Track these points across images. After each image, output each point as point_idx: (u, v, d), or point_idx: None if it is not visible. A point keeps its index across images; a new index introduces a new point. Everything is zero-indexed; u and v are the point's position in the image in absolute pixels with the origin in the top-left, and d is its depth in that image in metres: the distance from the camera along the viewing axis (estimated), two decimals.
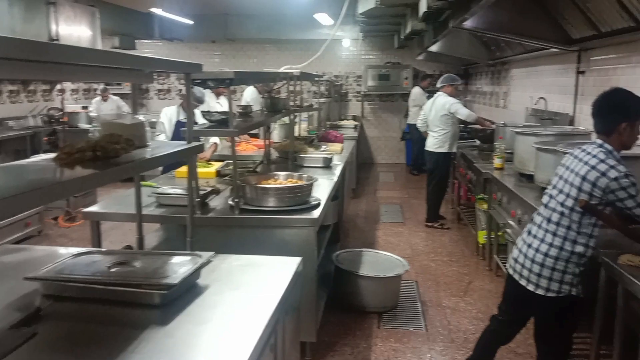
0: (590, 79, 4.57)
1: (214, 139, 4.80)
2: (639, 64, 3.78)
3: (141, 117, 2.28)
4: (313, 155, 4.76)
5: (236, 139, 5.65)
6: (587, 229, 2.38)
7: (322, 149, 5.28)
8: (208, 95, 5.35)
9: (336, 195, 4.63)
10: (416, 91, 9.74)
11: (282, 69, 4.45)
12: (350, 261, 4.27)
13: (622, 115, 2.42)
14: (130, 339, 1.59)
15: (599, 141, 2.43)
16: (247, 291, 1.94)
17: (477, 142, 6.15)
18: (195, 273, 1.93)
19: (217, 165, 4.27)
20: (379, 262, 4.35)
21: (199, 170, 4.01)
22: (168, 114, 4.82)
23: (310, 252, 3.08)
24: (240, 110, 3.79)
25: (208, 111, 3.38)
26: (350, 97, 11.35)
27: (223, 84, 2.91)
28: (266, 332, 1.67)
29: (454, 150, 6.27)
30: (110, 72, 1.81)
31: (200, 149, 2.25)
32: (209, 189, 3.32)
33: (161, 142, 2.61)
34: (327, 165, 4.69)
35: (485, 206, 4.78)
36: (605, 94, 2.51)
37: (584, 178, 2.35)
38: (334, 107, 9.85)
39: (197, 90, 4.45)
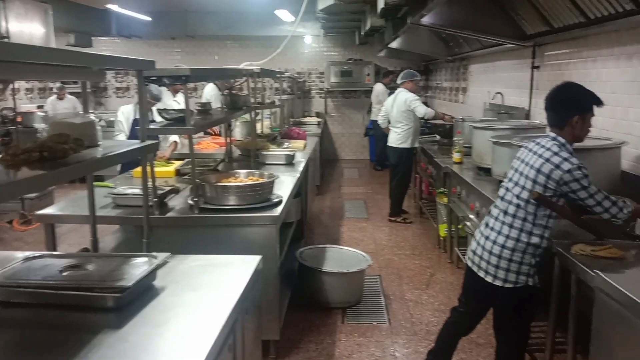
0: (545, 74, 4.68)
1: (174, 138, 4.72)
2: (590, 59, 3.90)
3: (92, 116, 2.21)
4: (275, 152, 4.73)
5: (196, 136, 5.59)
6: (542, 221, 2.44)
7: (284, 146, 5.26)
8: (165, 93, 5.26)
9: (299, 192, 4.62)
10: (378, 88, 9.82)
11: (241, 66, 4.40)
12: (314, 258, 4.27)
13: (574, 109, 2.49)
14: (83, 343, 1.54)
15: (553, 134, 2.49)
16: (205, 292, 1.91)
17: (438, 137, 6.24)
18: (151, 275, 1.89)
19: (176, 164, 4.20)
20: (343, 257, 4.36)
21: (158, 169, 3.95)
22: (125, 113, 4.71)
23: (272, 250, 3.07)
24: (199, 108, 3.73)
25: (165, 109, 3.32)
26: (314, 94, 11.36)
27: (179, 81, 2.85)
28: (224, 332, 1.65)
29: (416, 145, 6.35)
30: (57, 70, 1.75)
31: (155, 147, 2.21)
32: (168, 188, 3.26)
33: (114, 142, 2.55)
34: (290, 162, 4.67)
35: (445, 200, 4.86)
36: (558, 89, 2.57)
37: (538, 170, 2.41)
38: (297, 104, 9.82)
39: (154, 87, 4.36)
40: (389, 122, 6.46)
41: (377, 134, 9.35)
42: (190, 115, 3.01)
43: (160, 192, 3.12)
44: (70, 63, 1.65)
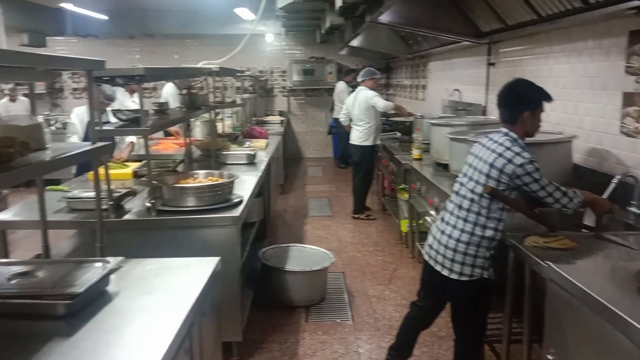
0: (500, 70, 4.79)
1: (131, 138, 4.62)
2: (542, 55, 4.00)
3: (39, 118, 2.14)
4: (236, 152, 4.70)
5: (156, 136, 5.50)
6: (495, 214, 2.49)
7: (246, 146, 5.22)
8: (121, 93, 5.15)
9: (261, 191, 4.60)
10: (340, 86, 9.86)
11: (200, 65, 4.35)
12: (277, 257, 4.26)
13: (525, 105, 2.55)
14: (33, 352, 1.50)
15: (505, 130, 2.55)
16: (160, 295, 1.88)
17: (398, 135, 6.31)
18: (104, 280, 1.85)
19: (134, 166, 4.12)
20: (306, 256, 4.36)
21: (115, 171, 3.88)
22: (79, 114, 4.59)
23: (233, 250, 3.05)
24: (156, 108, 3.67)
25: (119, 109, 3.25)
26: (276, 93, 11.32)
27: (133, 81, 2.79)
28: (179, 336, 1.63)
29: (378, 142, 6.40)
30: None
31: (107, 149, 2.16)
32: (125, 190, 3.20)
33: (64, 144, 2.47)
34: (251, 161, 4.65)
35: (406, 196, 4.92)
36: (509, 86, 2.63)
37: (491, 165, 2.46)
38: (260, 103, 9.78)
39: (107, 88, 4.26)
40: (350, 120, 6.50)
41: (340, 132, 9.37)
42: (145, 115, 2.95)
43: (116, 194, 3.06)
44: (12, 64, 1.60)
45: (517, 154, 2.43)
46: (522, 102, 2.56)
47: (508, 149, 2.46)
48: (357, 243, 5.60)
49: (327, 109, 10.92)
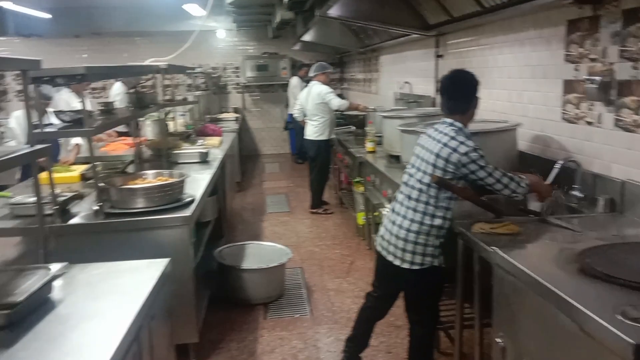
0: (448, 62, 4.87)
1: (76, 140, 4.48)
2: (487, 46, 4.09)
3: None
4: (187, 150, 4.62)
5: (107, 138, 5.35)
6: (443, 203, 2.54)
7: (198, 144, 5.15)
8: (67, 94, 4.98)
9: (215, 190, 4.55)
10: (294, 81, 9.83)
11: (147, 62, 4.25)
12: (234, 255, 4.22)
13: (474, 94, 2.62)
14: None
15: (449, 120, 2.60)
16: (106, 300, 1.83)
17: (353, 128, 6.35)
18: (45, 287, 1.79)
19: (81, 169, 4.00)
20: (263, 253, 4.34)
21: (61, 175, 3.75)
22: (18, 118, 4.40)
23: (186, 251, 3.00)
24: (102, 108, 3.57)
25: (61, 110, 3.14)
26: (230, 89, 11.19)
27: (74, 81, 2.70)
28: (126, 341, 1.59)
29: (333, 137, 6.43)
30: None
31: (44, 152, 2.08)
32: (71, 194, 3.10)
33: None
34: (204, 160, 4.58)
35: (361, 189, 4.96)
36: (455, 78, 2.67)
37: (437, 155, 2.50)
38: (214, 100, 9.64)
39: (44, 87, 4.10)
40: (305, 115, 6.50)
41: (296, 127, 9.36)
42: (89, 116, 2.86)
43: (61, 198, 2.96)
44: None
45: (462, 142, 2.48)
46: (471, 92, 2.62)
47: (453, 138, 2.50)
48: (315, 237, 5.61)
49: (283, 105, 10.87)
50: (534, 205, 2.74)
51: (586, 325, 1.57)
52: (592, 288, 1.74)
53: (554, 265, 2.04)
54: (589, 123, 2.87)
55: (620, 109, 2.62)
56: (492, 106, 3.96)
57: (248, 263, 4.06)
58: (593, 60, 2.80)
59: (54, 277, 1.83)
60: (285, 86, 10.44)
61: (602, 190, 2.72)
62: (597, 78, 2.71)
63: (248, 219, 6.46)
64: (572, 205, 2.82)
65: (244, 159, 9.93)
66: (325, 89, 6.21)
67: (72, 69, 2.66)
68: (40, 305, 1.76)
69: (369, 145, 4.93)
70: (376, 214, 4.67)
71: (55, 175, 3.83)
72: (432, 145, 2.55)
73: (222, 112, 9.72)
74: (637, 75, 2.49)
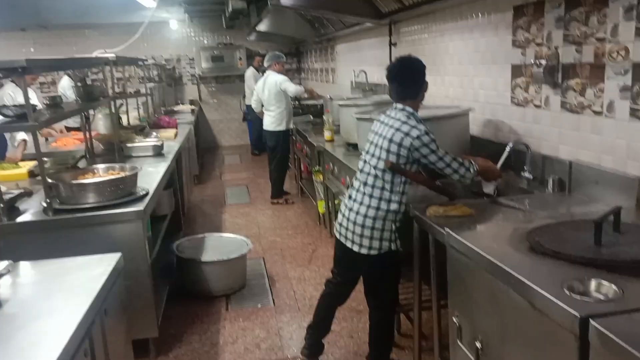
0: (402, 50, 4.91)
1: (22, 136, 4.31)
2: (439, 33, 4.14)
3: None
4: (141, 144, 4.52)
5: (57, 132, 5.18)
6: (398, 188, 2.57)
7: (152, 137, 5.04)
8: (13, 88, 4.78)
9: (171, 183, 4.47)
10: (250, 72, 9.73)
11: (94, 54, 4.12)
12: (193, 248, 4.17)
13: (423, 80, 2.65)
14: None
15: (400, 105, 2.62)
16: (55, 298, 1.78)
17: (311, 117, 6.34)
18: None
19: (30, 165, 3.86)
20: (223, 244, 4.30)
21: (8, 172, 3.62)
22: None
23: (141, 245, 2.94)
24: (47, 102, 3.44)
25: (4, 105, 3.01)
26: (186, 81, 11.00)
27: (15, 74, 2.59)
28: (76, 337, 1.55)
29: (291, 126, 6.40)
30: None
31: None
32: (18, 191, 2.99)
33: None
34: (158, 152, 4.49)
35: (321, 177, 4.97)
36: (404, 64, 2.68)
37: (390, 140, 2.52)
38: (169, 93, 9.47)
39: None
40: (262, 105, 6.45)
41: (253, 118, 9.27)
42: (33, 110, 2.76)
43: (8, 195, 2.85)
44: None
45: (413, 127, 2.50)
46: (422, 78, 2.65)
47: (405, 122, 2.53)
48: (277, 227, 5.60)
49: (241, 96, 10.76)
50: (487, 188, 2.80)
51: (536, 301, 1.61)
52: (541, 265, 1.79)
53: (505, 244, 2.09)
54: (537, 106, 2.95)
55: (566, 91, 2.70)
56: (444, 92, 4.03)
57: (208, 255, 4.01)
58: (539, 44, 2.87)
59: None
60: (242, 77, 10.31)
61: (550, 171, 2.81)
62: (543, 62, 2.78)
63: (208, 212, 6.39)
64: (523, 187, 2.90)
65: (203, 151, 9.81)
66: (280, 77, 6.17)
67: (12, 62, 2.55)
68: None
69: (327, 134, 4.94)
70: (337, 202, 4.69)
71: (3, 172, 3.72)
72: (384, 130, 2.57)
73: (178, 104, 9.55)
74: (580, 58, 2.57)
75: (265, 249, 4.96)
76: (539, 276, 1.68)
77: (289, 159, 6.73)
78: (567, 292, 1.54)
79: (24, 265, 2.03)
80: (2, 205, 2.72)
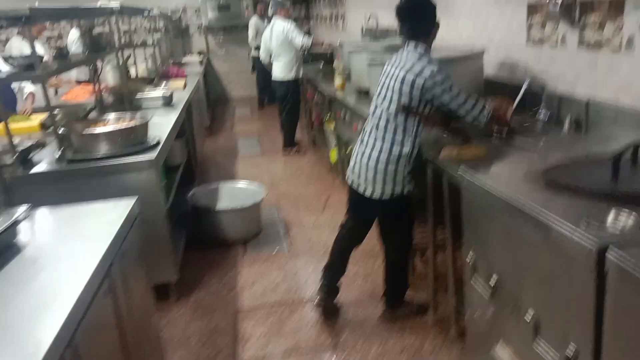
0: None
1: (29, 89, 4.29)
2: None
3: None
4: (150, 94, 4.49)
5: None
6: (411, 130, 2.53)
7: (161, 87, 5.00)
8: (19, 41, 4.73)
9: (182, 133, 4.47)
10: (252, 20, 9.45)
11: (98, 4, 4.04)
12: (208, 197, 4.21)
13: (434, 17, 2.57)
14: None
15: (412, 46, 2.55)
16: (73, 241, 1.80)
17: (321, 65, 6.23)
18: (10, 231, 1.75)
19: (41, 117, 3.86)
20: (237, 193, 4.33)
21: (20, 125, 3.63)
22: None
23: (155, 193, 2.96)
24: (55, 53, 3.41)
25: (10, 56, 2.98)
26: (193, 32, 10.81)
27: (19, 23, 2.55)
28: (96, 277, 1.58)
29: (301, 75, 6.30)
30: None
31: None
32: (30, 143, 3.00)
33: None
34: (168, 103, 4.47)
35: (332, 126, 4.92)
36: (415, 1, 2.60)
37: (402, 81, 2.47)
38: (177, 44, 9.32)
39: None
40: (270, 56, 6.32)
41: (258, 67, 9.06)
42: (40, 60, 2.73)
43: (21, 148, 2.87)
44: None
45: (425, 66, 2.44)
46: (433, 15, 2.57)
47: (416, 62, 2.47)
48: (290, 177, 5.61)
49: (249, 47, 10.54)
50: (501, 129, 2.75)
51: (552, 235, 1.61)
52: (557, 201, 1.77)
53: (520, 182, 2.07)
54: (553, 45, 2.86)
55: (583, 28, 2.61)
56: (457, 34, 3.91)
57: (223, 204, 4.04)
58: None
59: (17, 221, 1.78)
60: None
61: (567, 111, 2.75)
62: None
63: (220, 163, 6.41)
64: (538, 127, 2.85)
65: (213, 103, 9.74)
66: (288, 25, 6.02)
67: (15, 11, 2.50)
68: (5, 249, 1.72)
69: (337, 82, 4.86)
70: (348, 150, 4.67)
71: (15, 125, 3.72)
72: (396, 72, 2.51)
73: (186, 56, 9.42)
74: None
75: (279, 197, 4.99)
76: (555, 211, 1.67)
77: (299, 108, 6.66)
78: (583, 225, 1.53)
79: (41, 211, 2.05)
80: (16, 156, 2.73)
